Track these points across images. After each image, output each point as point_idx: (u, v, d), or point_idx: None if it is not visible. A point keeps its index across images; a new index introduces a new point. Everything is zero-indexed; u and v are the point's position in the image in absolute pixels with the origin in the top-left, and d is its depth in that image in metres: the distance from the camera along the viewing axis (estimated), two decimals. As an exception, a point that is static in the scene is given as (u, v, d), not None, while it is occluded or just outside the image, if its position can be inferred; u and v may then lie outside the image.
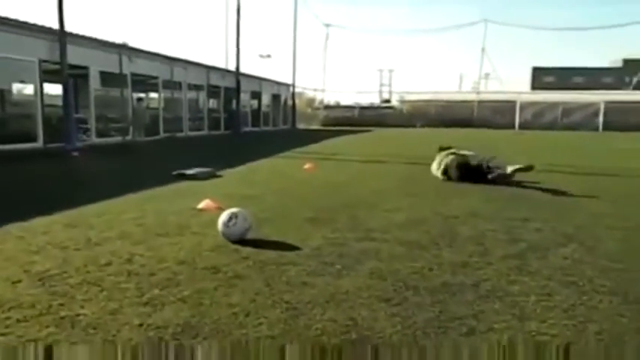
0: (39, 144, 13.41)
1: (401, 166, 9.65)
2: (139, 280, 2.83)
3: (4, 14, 12.29)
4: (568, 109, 42.08)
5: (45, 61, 13.40)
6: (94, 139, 15.54)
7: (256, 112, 30.52)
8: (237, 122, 26.02)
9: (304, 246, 3.56)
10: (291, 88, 36.46)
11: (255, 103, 30.71)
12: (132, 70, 17.19)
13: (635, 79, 47.91)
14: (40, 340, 2.07)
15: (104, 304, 2.48)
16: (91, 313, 2.35)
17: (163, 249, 3.47)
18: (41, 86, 13.38)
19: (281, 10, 72.94)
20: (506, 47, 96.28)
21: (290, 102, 36.64)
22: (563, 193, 6.10)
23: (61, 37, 13.47)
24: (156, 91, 20.03)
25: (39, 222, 4.29)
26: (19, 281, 2.79)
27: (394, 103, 49.26)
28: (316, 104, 46.20)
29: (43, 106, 13.55)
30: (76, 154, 11.88)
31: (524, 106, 42.03)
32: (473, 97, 44.77)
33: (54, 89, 17.41)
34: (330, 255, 3.34)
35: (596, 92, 44.04)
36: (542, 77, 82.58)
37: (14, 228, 4.02)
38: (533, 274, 2.96)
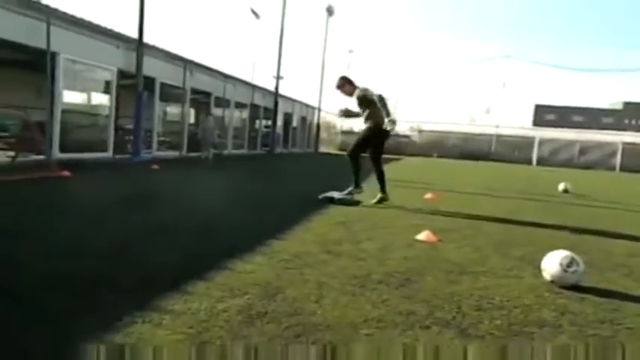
0: (109, 154, 12.97)
1: (524, 202, 9.31)
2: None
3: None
4: (585, 148, 42.39)
5: (122, 72, 13.05)
6: (155, 153, 15.11)
7: (286, 133, 30.27)
8: (273, 142, 25.74)
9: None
10: (315, 111, 36.36)
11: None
12: (191, 84, 16.88)
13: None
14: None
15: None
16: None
17: (518, 297, 3.05)
18: (117, 96, 12.98)
19: (291, 33, 73.44)
20: (512, 83, 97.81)
21: (314, 125, 36.50)
22: None
23: (139, 47, 13.17)
24: (206, 106, 19.71)
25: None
26: None
27: (409, 132, 49.31)
28: (337, 129, 45.99)
29: (117, 116, 13.14)
30: (156, 167, 11.43)
31: (542, 142, 42.21)
32: (491, 131, 44.93)
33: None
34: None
35: (614, 133, 44.50)
36: (544, 114, 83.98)
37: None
38: None
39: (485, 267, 3.70)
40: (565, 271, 3.16)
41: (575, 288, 3.19)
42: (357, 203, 7.03)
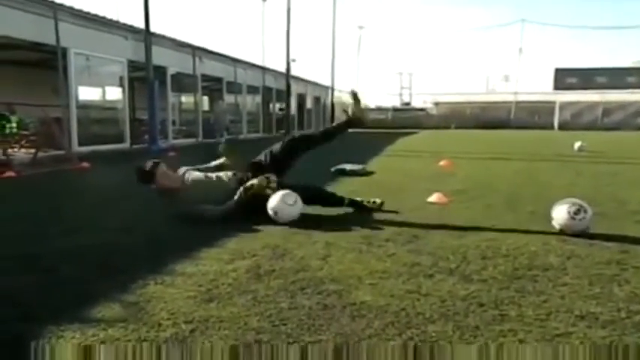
0: (126, 145, 13.20)
1: (539, 162, 9.21)
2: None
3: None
4: (608, 109, 41.40)
5: (133, 63, 13.19)
6: (172, 141, 15.31)
7: (300, 115, 30.22)
8: (287, 125, 25.74)
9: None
10: (329, 91, 36.17)
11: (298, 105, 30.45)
12: (202, 71, 16.96)
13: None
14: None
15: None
16: None
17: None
18: (130, 88, 13.14)
19: (302, 14, 72.88)
20: (528, 48, 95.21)
21: (328, 104, 36.34)
22: None
23: (146, 35, 13.25)
24: (218, 92, 19.81)
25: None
26: None
27: (423, 105, 48.78)
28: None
29: (132, 108, 13.33)
30: (172, 154, 11.60)
31: (563, 106, 41.28)
32: (510, 98, 44.06)
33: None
34: None
35: (638, 91, 43.10)
36: (564, 78, 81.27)
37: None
38: None
39: (495, 222, 3.71)
40: (573, 218, 3.16)
41: (585, 235, 3.19)
42: (369, 174, 7.07)
